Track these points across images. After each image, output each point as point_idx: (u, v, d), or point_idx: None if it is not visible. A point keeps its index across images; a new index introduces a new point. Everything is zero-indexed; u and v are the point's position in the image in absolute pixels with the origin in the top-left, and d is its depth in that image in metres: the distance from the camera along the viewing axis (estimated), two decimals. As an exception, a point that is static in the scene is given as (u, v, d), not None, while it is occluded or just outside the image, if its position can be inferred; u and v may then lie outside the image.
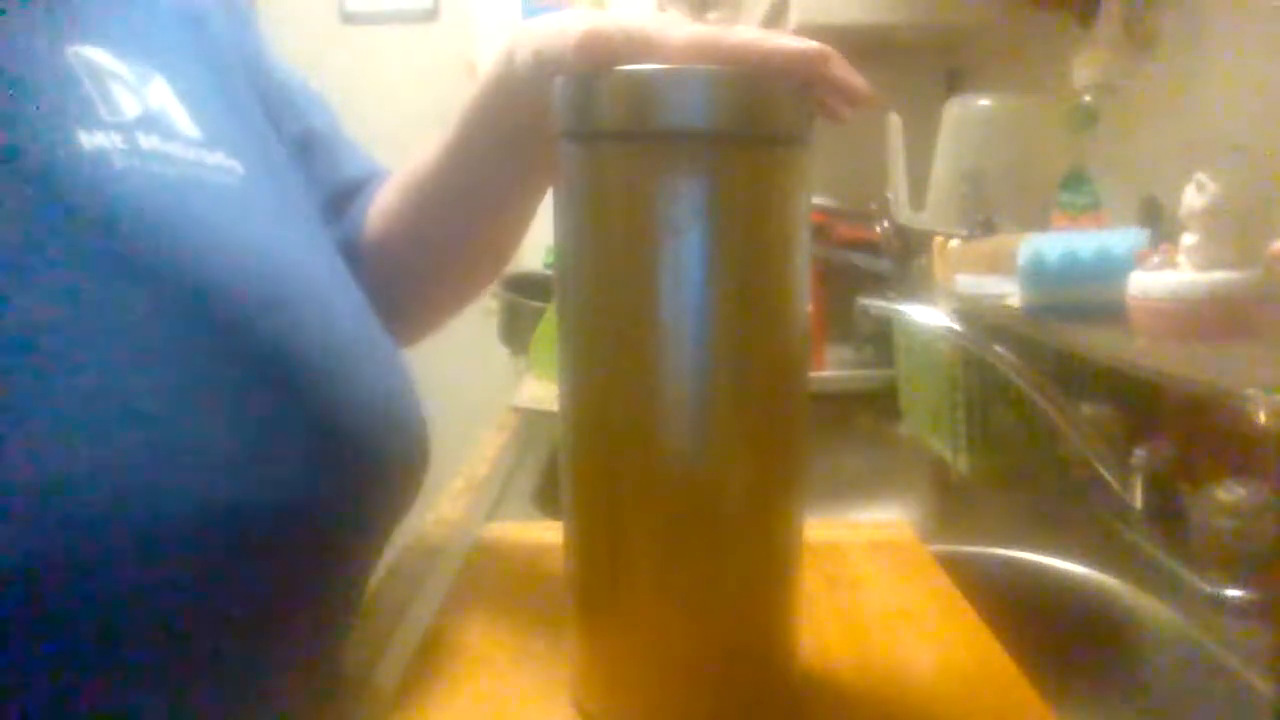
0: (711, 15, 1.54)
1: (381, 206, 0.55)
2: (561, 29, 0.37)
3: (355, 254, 0.53)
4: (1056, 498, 0.78)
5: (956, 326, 0.72)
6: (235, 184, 0.40)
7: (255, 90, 0.49)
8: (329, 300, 0.41)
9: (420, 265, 0.55)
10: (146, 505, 0.31)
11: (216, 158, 0.40)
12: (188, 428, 0.32)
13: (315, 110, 0.55)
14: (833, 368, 1.26)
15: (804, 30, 1.16)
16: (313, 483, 0.36)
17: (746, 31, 0.35)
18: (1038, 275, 0.72)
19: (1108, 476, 0.65)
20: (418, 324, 0.60)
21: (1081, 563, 0.64)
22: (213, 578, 0.33)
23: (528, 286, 1.43)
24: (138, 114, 0.38)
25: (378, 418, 0.40)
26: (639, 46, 0.34)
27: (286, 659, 0.39)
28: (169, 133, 0.39)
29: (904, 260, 1.15)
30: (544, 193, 0.50)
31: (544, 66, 0.39)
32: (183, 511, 0.31)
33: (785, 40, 0.35)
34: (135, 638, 0.31)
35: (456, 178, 0.50)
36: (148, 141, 0.37)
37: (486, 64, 0.45)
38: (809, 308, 0.37)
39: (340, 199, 0.56)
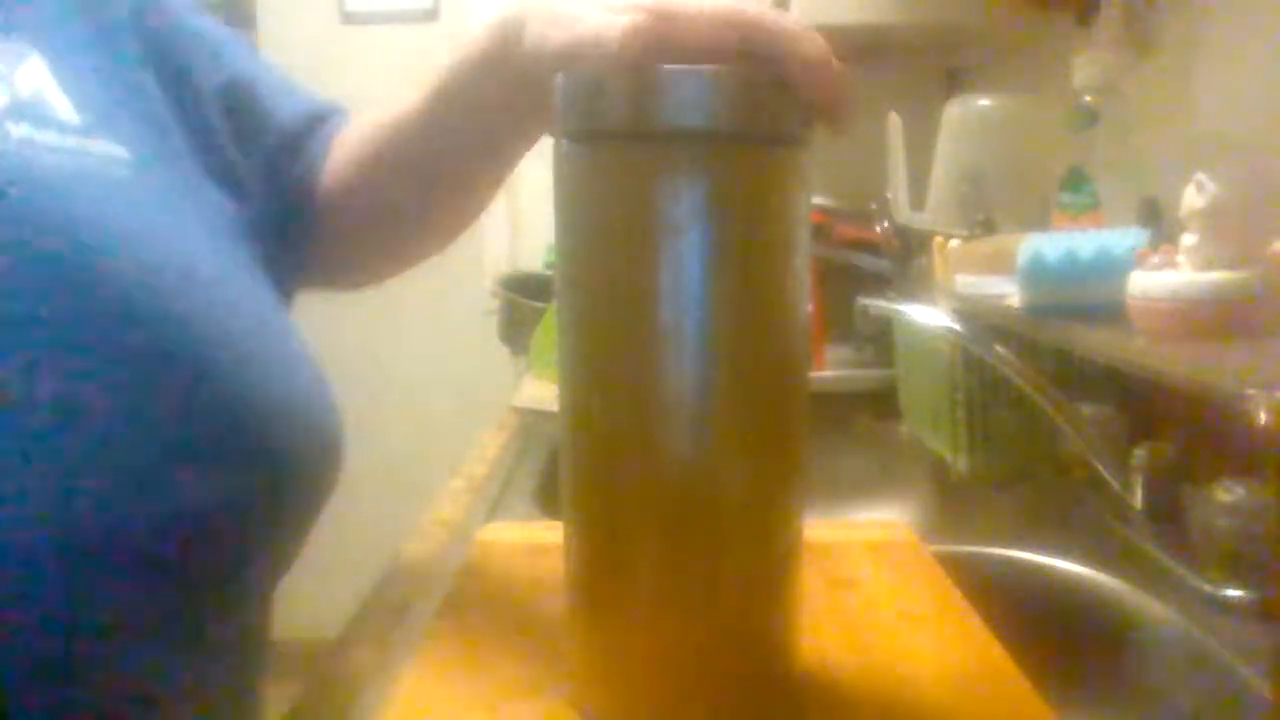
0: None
1: (347, 154, 0.52)
2: (596, 27, 0.34)
3: (310, 197, 0.51)
4: (1056, 498, 0.78)
5: (956, 326, 0.72)
6: (121, 172, 0.38)
7: (158, 48, 0.45)
8: (224, 292, 0.39)
9: (382, 218, 0.53)
10: (28, 515, 0.29)
11: (99, 144, 0.38)
12: (72, 433, 0.31)
13: (237, 56, 0.51)
14: (833, 368, 1.26)
15: (804, 30, 1.15)
16: (209, 485, 0.34)
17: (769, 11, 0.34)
18: (1038, 275, 0.72)
19: (1108, 476, 0.65)
20: (368, 273, 0.58)
21: (1081, 563, 0.64)
22: (106, 588, 0.31)
23: (528, 286, 1.43)
24: (4, 104, 0.35)
25: (280, 413, 0.38)
26: (667, 24, 0.33)
27: (195, 666, 0.37)
28: (42, 120, 0.36)
29: (904, 260, 1.15)
30: (519, 157, 0.49)
31: (568, 63, 0.36)
32: (69, 520, 0.30)
33: (805, 36, 0.34)
34: (23, 647, 0.30)
35: (433, 141, 0.48)
36: (17, 130, 0.35)
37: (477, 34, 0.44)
38: (809, 308, 0.37)
39: (292, 141, 0.52)
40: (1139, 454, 0.66)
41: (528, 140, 0.48)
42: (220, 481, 0.35)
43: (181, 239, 0.39)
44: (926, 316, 0.77)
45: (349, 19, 2.40)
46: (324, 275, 0.55)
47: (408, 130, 0.49)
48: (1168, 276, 0.61)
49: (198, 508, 0.34)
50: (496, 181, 0.52)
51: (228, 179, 0.46)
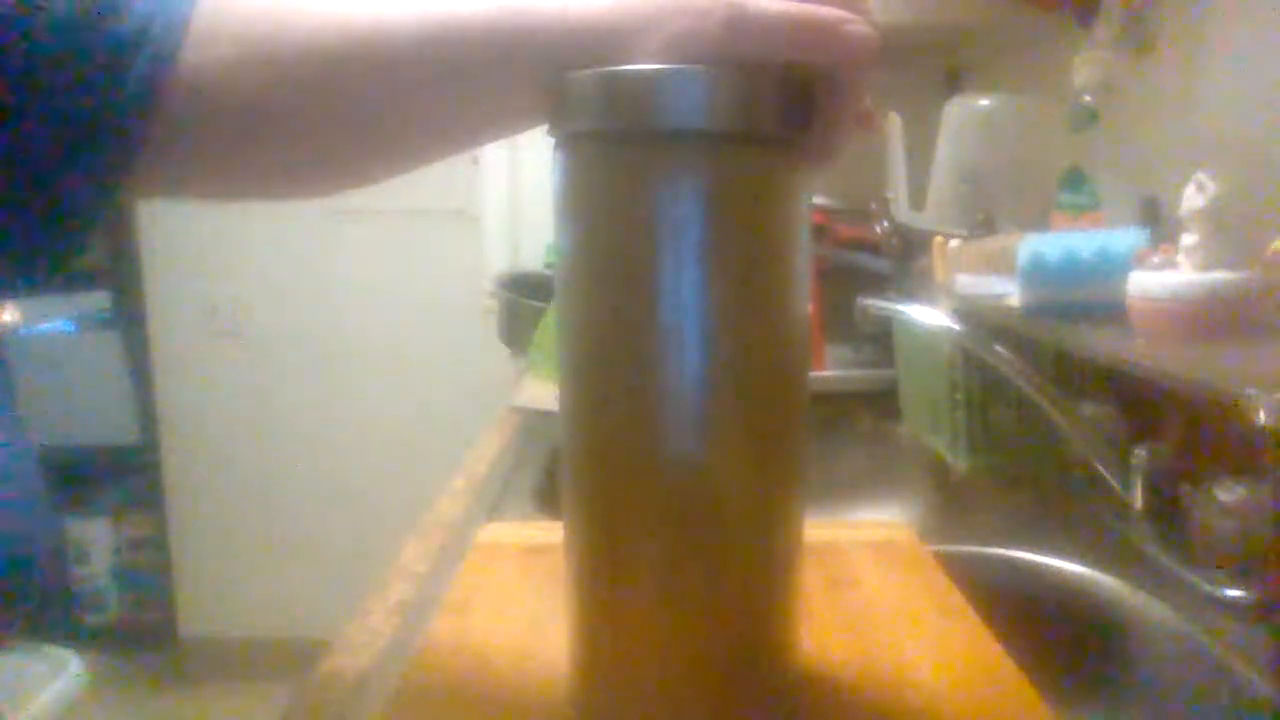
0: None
1: (269, 68, 0.39)
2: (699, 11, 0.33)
3: (156, 96, 0.38)
4: (1056, 498, 0.78)
5: (956, 326, 0.72)
6: None
7: None
8: None
9: (280, 140, 0.41)
10: None
11: None
12: None
13: None
14: (833, 368, 1.26)
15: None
16: None
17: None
18: (1038, 275, 0.72)
19: (1108, 476, 0.65)
20: (231, 191, 0.49)
21: (1081, 563, 0.64)
22: None
23: (528, 286, 1.43)
24: None
25: None
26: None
27: None
28: None
29: (904, 260, 1.15)
30: (473, 145, 0.44)
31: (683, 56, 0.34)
32: None
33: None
34: None
35: (388, 88, 0.39)
36: None
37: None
38: (809, 308, 0.37)
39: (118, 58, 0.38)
40: (1139, 454, 0.66)
41: (494, 133, 0.42)
42: None
43: None
44: (926, 316, 0.77)
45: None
46: (173, 182, 0.44)
47: (359, 62, 0.39)
48: (1168, 276, 0.61)
49: None
50: (429, 157, 0.43)
51: None
